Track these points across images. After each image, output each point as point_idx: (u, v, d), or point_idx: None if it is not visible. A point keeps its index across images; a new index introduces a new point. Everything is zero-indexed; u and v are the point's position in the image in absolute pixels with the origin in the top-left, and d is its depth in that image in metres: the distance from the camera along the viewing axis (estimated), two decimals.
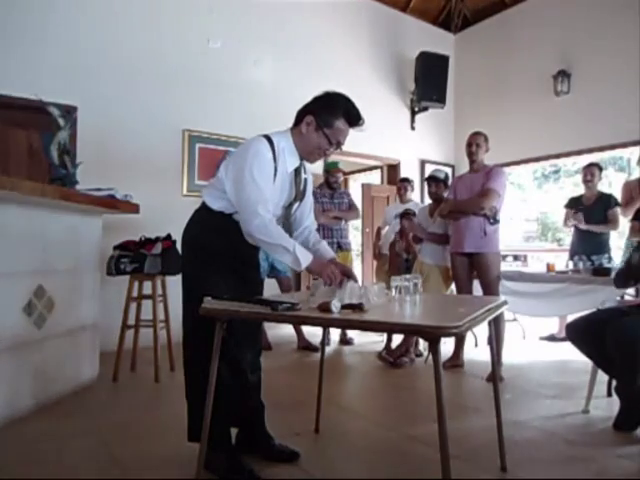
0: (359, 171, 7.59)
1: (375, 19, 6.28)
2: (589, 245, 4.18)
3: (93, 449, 2.04)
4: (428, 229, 3.72)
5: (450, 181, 4.01)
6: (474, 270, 3.34)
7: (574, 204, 4.39)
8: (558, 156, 5.88)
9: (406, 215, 4.07)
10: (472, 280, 3.41)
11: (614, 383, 2.42)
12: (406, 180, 4.88)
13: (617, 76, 5.15)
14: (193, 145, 4.64)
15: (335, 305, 1.36)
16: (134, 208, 3.11)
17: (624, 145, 5.20)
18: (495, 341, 1.98)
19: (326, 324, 1.74)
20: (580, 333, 2.39)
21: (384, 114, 6.27)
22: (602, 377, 2.53)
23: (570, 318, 2.60)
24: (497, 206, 3.23)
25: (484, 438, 2.12)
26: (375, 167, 7.05)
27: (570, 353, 2.70)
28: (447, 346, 3.63)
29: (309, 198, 1.99)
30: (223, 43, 4.88)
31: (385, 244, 4.61)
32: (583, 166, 4.51)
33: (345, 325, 1.49)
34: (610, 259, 4.14)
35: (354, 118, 1.76)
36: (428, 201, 4.96)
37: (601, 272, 3.39)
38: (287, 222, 1.87)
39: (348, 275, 1.73)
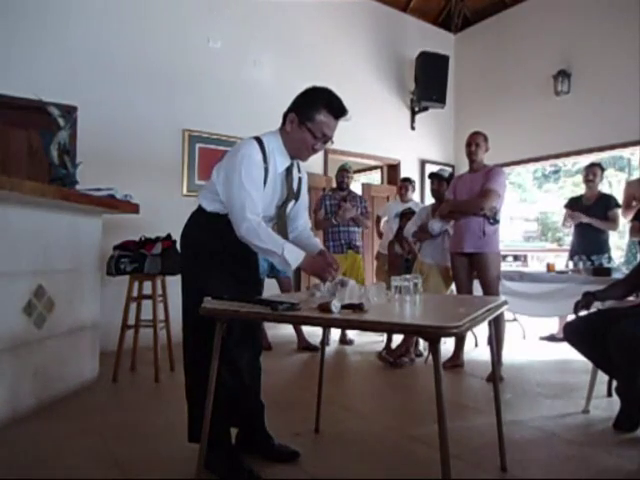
0: (359, 171, 7.60)
1: (375, 19, 6.28)
2: (589, 245, 4.17)
3: (93, 449, 2.04)
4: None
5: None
6: (474, 270, 3.34)
7: (574, 204, 4.38)
8: (558, 156, 5.88)
9: (406, 215, 4.08)
10: (472, 280, 3.41)
11: (614, 383, 2.42)
12: (407, 180, 4.90)
13: (617, 76, 5.15)
14: (193, 145, 4.65)
15: (335, 305, 1.36)
16: (134, 208, 3.11)
17: (624, 145, 5.20)
18: (495, 341, 1.98)
19: (326, 324, 1.74)
20: (580, 334, 2.39)
21: (384, 114, 6.28)
22: (602, 377, 2.53)
23: (570, 318, 2.60)
24: (497, 206, 3.23)
25: (484, 438, 2.12)
26: (375, 167, 7.05)
27: (570, 353, 2.70)
28: (447, 346, 3.63)
29: (304, 197, 2.01)
30: (223, 43, 4.88)
31: (385, 244, 4.62)
32: (585, 166, 4.49)
33: (345, 325, 1.49)
34: (610, 259, 4.14)
35: (336, 108, 1.74)
36: (428, 201, 4.98)
37: (601, 272, 3.39)
38: (281, 222, 1.88)
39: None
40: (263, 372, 2.04)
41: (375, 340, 4.41)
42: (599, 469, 1.87)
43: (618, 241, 5.40)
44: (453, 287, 3.60)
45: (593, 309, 2.47)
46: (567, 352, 2.95)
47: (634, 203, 4.03)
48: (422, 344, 3.85)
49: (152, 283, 3.16)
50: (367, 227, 4.58)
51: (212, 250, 1.78)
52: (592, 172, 4.27)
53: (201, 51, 4.75)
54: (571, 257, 4.19)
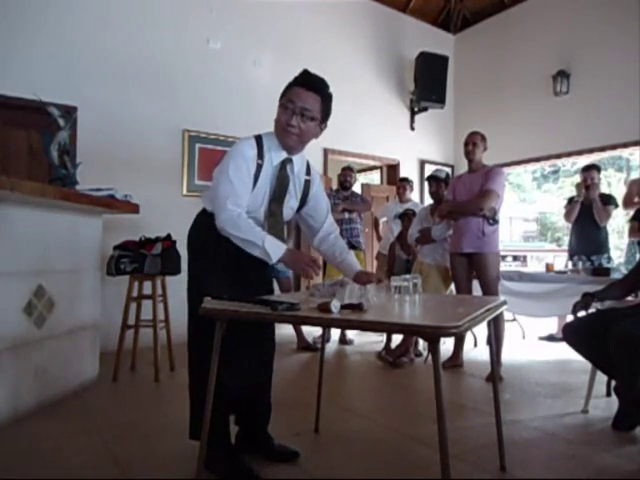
0: (359, 171, 7.59)
1: (375, 19, 6.28)
2: (589, 245, 4.18)
3: (93, 449, 2.04)
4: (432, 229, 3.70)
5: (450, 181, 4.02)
6: (473, 270, 3.34)
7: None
8: (558, 156, 5.88)
9: (407, 215, 4.08)
10: (471, 280, 3.41)
11: (613, 383, 2.42)
12: (405, 180, 4.91)
13: (616, 76, 5.15)
14: (193, 145, 4.65)
15: (335, 305, 1.36)
16: (134, 208, 3.11)
17: (624, 145, 5.21)
18: (494, 341, 1.99)
19: (326, 324, 1.74)
20: (579, 334, 2.39)
21: (384, 114, 6.28)
22: (601, 377, 2.53)
23: (569, 319, 2.61)
24: (496, 207, 3.23)
25: (483, 438, 2.12)
26: (375, 167, 7.06)
27: (569, 353, 2.70)
28: (447, 346, 3.64)
29: (320, 201, 1.95)
30: (223, 43, 4.88)
31: (385, 245, 4.63)
32: (581, 169, 4.46)
33: (345, 325, 1.49)
34: (609, 259, 4.15)
35: (303, 78, 1.76)
36: (427, 201, 4.98)
37: (600, 272, 3.40)
38: (274, 219, 1.82)
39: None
40: None
41: (375, 340, 4.42)
42: (598, 468, 1.87)
43: (617, 241, 5.41)
44: (452, 287, 3.61)
45: (592, 309, 2.47)
46: (566, 352, 2.95)
47: (636, 199, 4.04)
48: (422, 344, 3.86)
49: (152, 283, 3.16)
50: (367, 209, 4.62)
51: (215, 251, 1.77)
52: (590, 176, 4.25)
53: (201, 51, 4.76)
54: (570, 257, 4.20)
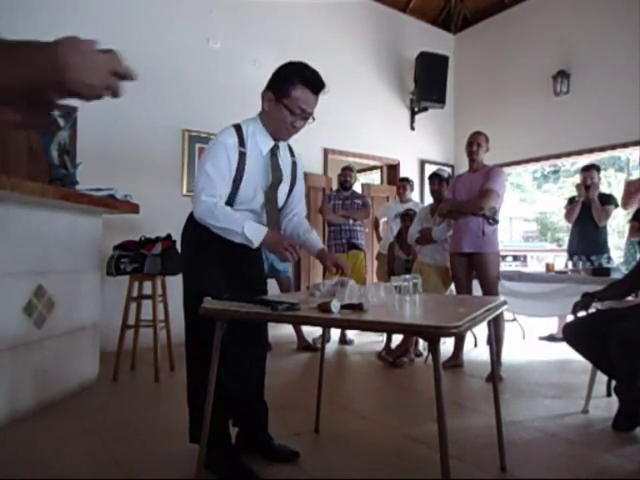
0: (359, 171, 7.59)
1: (375, 19, 6.28)
2: (588, 245, 4.18)
3: (93, 449, 2.04)
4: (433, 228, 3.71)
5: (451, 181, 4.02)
6: (473, 270, 3.34)
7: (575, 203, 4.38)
8: (558, 156, 5.88)
9: (408, 215, 4.08)
10: (471, 280, 3.41)
11: (613, 383, 2.42)
12: (406, 180, 4.91)
13: (616, 76, 5.15)
14: (193, 145, 4.65)
15: (335, 305, 1.36)
16: (134, 208, 3.11)
17: (624, 145, 5.21)
18: (495, 341, 1.99)
19: (326, 324, 1.74)
20: (579, 334, 2.39)
21: (384, 114, 6.29)
22: (601, 377, 2.53)
23: (569, 319, 2.61)
24: (496, 206, 3.23)
25: (483, 438, 2.12)
26: (375, 167, 7.06)
27: (569, 353, 2.70)
28: (447, 346, 3.64)
29: (299, 184, 1.97)
30: (223, 43, 4.88)
31: (385, 245, 4.63)
32: (581, 169, 4.46)
33: (345, 325, 1.49)
34: (609, 259, 4.15)
35: (311, 81, 1.69)
36: (428, 201, 4.98)
37: (600, 272, 3.40)
38: (271, 205, 1.83)
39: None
40: None
41: (375, 340, 4.41)
42: (598, 469, 1.87)
43: (617, 241, 5.40)
44: (452, 287, 3.61)
45: (592, 309, 2.47)
46: (566, 352, 2.95)
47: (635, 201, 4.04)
48: (422, 344, 3.85)
49: (152, 283, 3.16)
50: (366, 217, 4.59)
51: (210, 249, 1.77)
52: (589, 176, 4.25)
53: (201, 51, 4.76)
54: (570, 257, 4.20)
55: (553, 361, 3.75)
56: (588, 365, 2.51)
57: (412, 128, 6.62)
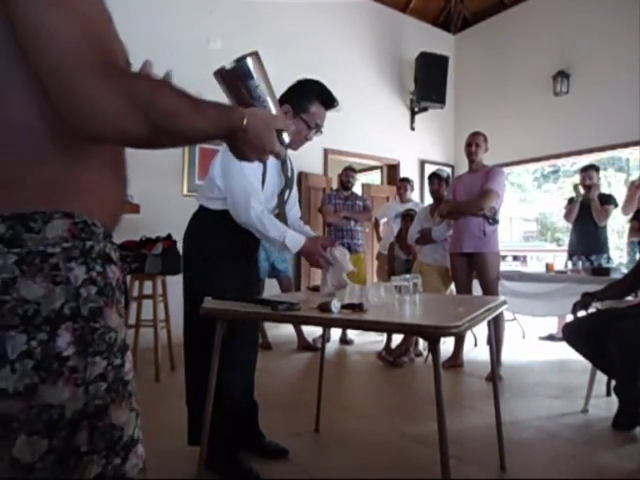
0: (359, 171, 7.60)
1: (375, 19, 6.28)
2: (588, 245, 4.18)
3: None
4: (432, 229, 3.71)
5: (450, 181, 4.02)
6: (473, 270, 3.35)
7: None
8: (558, 156, 5.89)
9: (409, 215, 4.08)
10: (471, 280, 3.42)
11: (613, 383, 2.43)
12: (406, 180, 4.92)
13: (616, 76, 5.16)
14: (193, 145, 4.65)
15: (335, 305, 1.37)
16: (134, 208, 3.11)
17: (624, 145, 5.21)
18: (494, 341, 1.99)
19: (326, 324, 1.75)
20: (579, 334, 2.40)
21: (384, 114, 6.29)
22: (601, 377, 2.53)
23: (569, 318, 2.61)
24: (496, 206, 3.24)
25: (483, 438, 2.12)
26: (375, 167, 7.06)
27: (569, 353, 2.71)
28: (447, 346, 3.64)
29: (294, 188, 2.07)
30: (223, 44, 4.89)
31: (385, 245, 4.63)
32: (580, 170, 4.46)
33: (345, 325, 1.50)
34: (609, 259, 4.15)
35: (328, 100, 1.81)
36: (428, 201, 4.98)
37: (600, 272, 3.40)
38: (281, 209, 1.92)
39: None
40: (263, 372, 2.05)
41: (375, 340, 4.42)
42: (598, 468, 1.88)
43: (617, 241, 5.41)
44: (452, 287, 3.61)
45: (592, 309, 2.48)
46: (566, 352, 2.95)
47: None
48: (422, 344, 3.86)
49: (153, 283, 3.16)
50: (368, 220, 4.63)
51: (219, 250, 1.79)
52: (588, 176, 4.25)
53: (201, 51, 4.76)
54: (570, 257, 4.20)
55: (553, 361, 3.76)
56: (588, 365, 2.52)
57: (412, 128, 6.62)
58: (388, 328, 1.97)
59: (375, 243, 5.49)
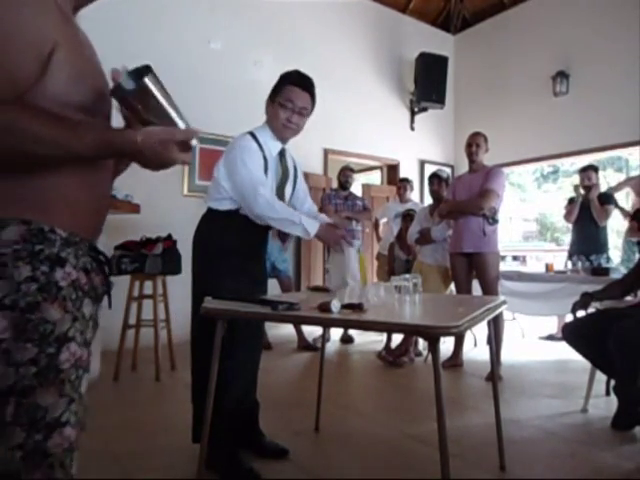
0: (359, 171, 7.61)
1: (375, 20, 6.29)
2: (588, 245, 4.19)
3: (94, 448, 2.05)
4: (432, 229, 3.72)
5: (450, 182, 4.03)
6: (473, 270, 3.35)
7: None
8: (558, 156, 5.89)
9: (409, 215, 4.09)
10: (471, 280, 3.42)
11: (613, 382, 2.43)
12: (406, 180, 4.92)
13: (616, 76, 5.16)
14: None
15: (335, 305, 1.37)
16: (135, 208, 3.11)
17: (624, 145, 5.22)
18: (494, 341, 2.00)
19: (326, 324, 1.75)
20: (579, 334, 2.40)
21: (384, 115, 6.29)
22: (601, 376, 2.54)
23: (569, 318, 2.62)
24: (496, 206, 3.24)
25: (483, 437, 2.13)
26: (375, 167, 7.06)
27: (569, 352, 2.71)
28: (446, 345, 3.64)
29: (301, 184, 2.10)
30: (224, 44, 4.89)
31: (385, 245, 4.63)
32: (579, 170, 4.47)
33: (345, 325, 1.50)
34: (609, 259, 4.16)
35: (296, 78, 1.85)
36: (427, 201, 4.99)
37: (600, 272, 3.41)
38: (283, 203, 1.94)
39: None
40: (264, 371, 2.05)
41: (375, 339, 4.42)
42: (597, 467, 1.88)
43: (617, 241, 5.41)
44: (452, 287, 3.62)
45: (592, 309, 2.48)
46: (566, 352, 2.96)
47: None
48: (422, 344, 3.86)
49: (153, 283, 3.16)
50: (369, 219, 4.65)
51: (228, 249, 1.80)
52: (587, 177, 4.25)
53: (202, 52, 4.76)
54: (570, 257, 4.20)
55: (553, 360, 3.76)
56: (587, 365, 2.52)
57: (412, 128, 6.63)
58: (388, 328, 1.97)
59: (375, 243, 5.49)
